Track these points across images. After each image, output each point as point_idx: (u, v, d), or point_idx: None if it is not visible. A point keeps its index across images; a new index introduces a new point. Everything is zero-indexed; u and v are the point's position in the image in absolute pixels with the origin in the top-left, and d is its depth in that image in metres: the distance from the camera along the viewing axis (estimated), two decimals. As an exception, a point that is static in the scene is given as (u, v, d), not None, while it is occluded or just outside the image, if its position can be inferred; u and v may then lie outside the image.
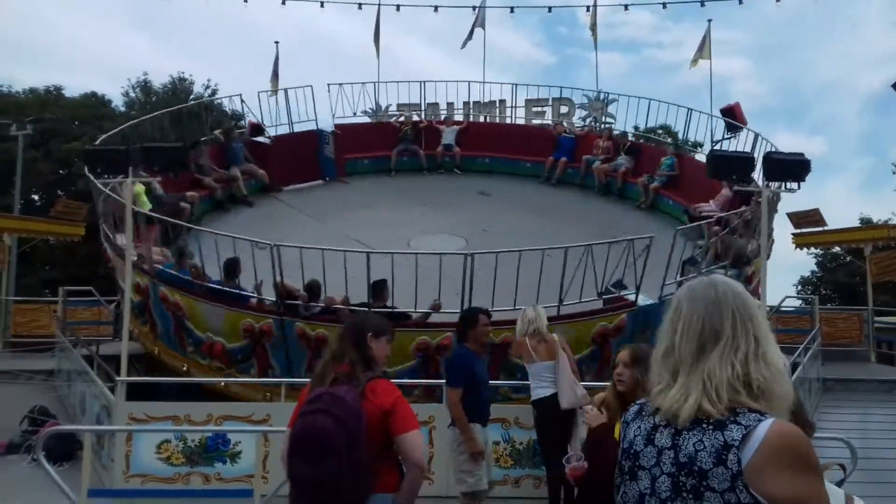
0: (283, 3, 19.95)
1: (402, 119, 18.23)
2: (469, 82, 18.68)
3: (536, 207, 15.06)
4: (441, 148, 17.56)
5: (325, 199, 15.58)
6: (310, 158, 16.80)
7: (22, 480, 8.07)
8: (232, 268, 10.09)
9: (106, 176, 10.57)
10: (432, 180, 16.98)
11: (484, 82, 19.00)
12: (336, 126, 17.27)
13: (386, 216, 14.29)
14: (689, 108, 16.66)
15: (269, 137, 16.86)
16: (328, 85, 17.57)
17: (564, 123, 18.10)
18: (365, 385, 3.30)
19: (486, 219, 14.50)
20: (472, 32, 20.17)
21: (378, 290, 9.30)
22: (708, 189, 13.57)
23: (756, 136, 14.23)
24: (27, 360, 13.61)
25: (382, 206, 14.85)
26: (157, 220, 11.42)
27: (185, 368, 10.54)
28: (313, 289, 9.56)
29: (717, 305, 1.77)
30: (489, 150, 17.66)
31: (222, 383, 10.05)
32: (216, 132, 16.34)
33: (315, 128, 17.20)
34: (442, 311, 9.24)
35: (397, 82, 18.85)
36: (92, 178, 11.40)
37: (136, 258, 10.50)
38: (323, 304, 9.59)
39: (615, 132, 17.54)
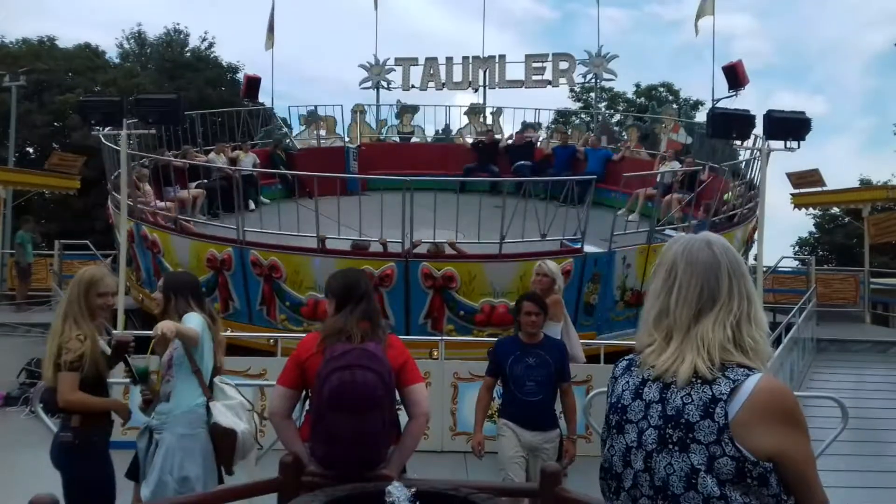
0: (280, -47, 19.57)
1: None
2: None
3: None
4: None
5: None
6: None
7: (19, 432, 8.12)
8: None
9: (100, 127, 10.48)
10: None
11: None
12: (362, 143, 17.65)
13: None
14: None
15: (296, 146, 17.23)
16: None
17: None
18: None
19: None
20: None
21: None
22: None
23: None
24: (24, 313, 13.65)
25: None
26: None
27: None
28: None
29: (715, 268, 1.77)
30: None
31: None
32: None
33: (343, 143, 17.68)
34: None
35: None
36: (101, 137, 11.34)
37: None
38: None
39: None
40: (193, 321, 3.92)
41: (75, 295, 4.19)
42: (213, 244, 10.16)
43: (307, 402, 3.44)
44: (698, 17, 17.66)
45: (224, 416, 3.91)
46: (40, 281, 15.39)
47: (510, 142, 17.06)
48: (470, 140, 18.00)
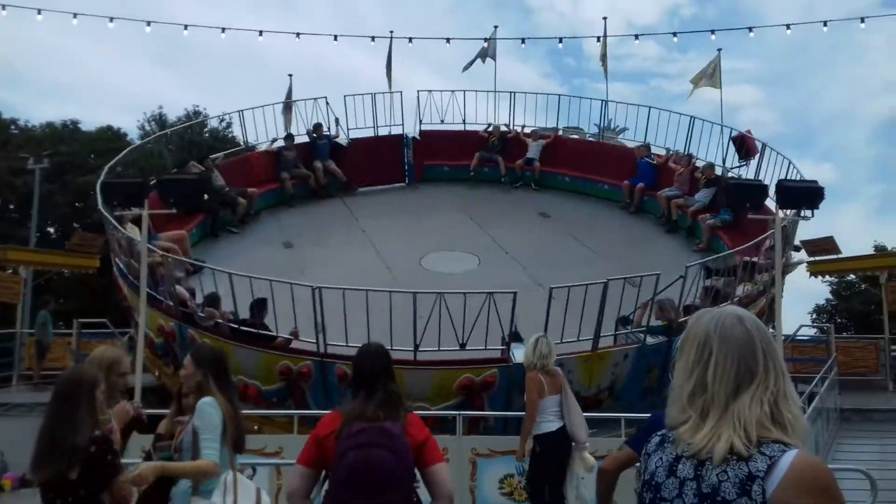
0: (298, 36, 20.22)
1: (489, 129, 17.38)
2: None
3: (586, 234, 14.41)
4: (521, 161, 16.63)
5: (380, 204, 15.74)
6: (392, 162, 16.95)
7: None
8: (259, 308, 9.92)
9: (121, 209, 10.61)
10: (503, 194, 16.21)
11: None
12: (421, 132, 17.32)
13: (418, 227, 14.67)
14: (691, 118, 16.13)
15: (349, 140, 17.01)
16: (345, 96, 17.35)
17: (648, 147, 16.44)
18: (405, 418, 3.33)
19: (529, 240, 14.04)
20: (474, 60, 20.04)
21: (259, 308, 9.81)
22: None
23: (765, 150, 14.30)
24: (42, 393, 13.64)
25: (428, 215, 15.18)
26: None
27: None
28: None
29: (750, 344, 1.76)
30: (570, 169, 16.68)
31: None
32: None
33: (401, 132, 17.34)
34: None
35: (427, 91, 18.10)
36: (104, 211, 11.46)
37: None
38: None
39: (697, 161, 15.55)
40: (207, 409, 3.82)
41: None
42: (289, 357, 9.74)
43: (326, 482, 3.39)
44: (695, 82, 17.84)
45: None
46: (57, 360, 15.43)
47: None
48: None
